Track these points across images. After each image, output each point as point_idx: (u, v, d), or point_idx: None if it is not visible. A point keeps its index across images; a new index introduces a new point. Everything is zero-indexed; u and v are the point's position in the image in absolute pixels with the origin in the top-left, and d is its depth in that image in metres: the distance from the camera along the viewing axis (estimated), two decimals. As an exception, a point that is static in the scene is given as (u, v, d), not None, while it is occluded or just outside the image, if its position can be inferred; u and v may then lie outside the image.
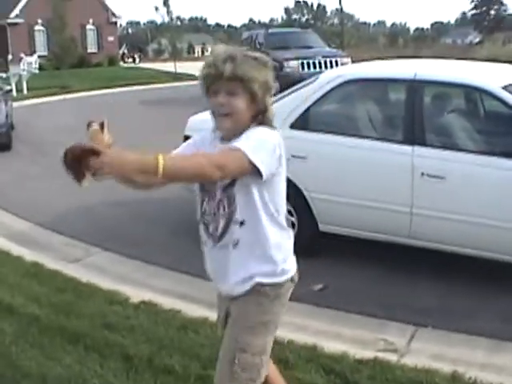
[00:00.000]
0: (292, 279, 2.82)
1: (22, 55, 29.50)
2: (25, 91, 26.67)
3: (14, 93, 23.78)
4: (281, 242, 2.74)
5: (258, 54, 2.69)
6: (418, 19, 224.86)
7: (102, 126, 2.53)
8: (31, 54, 33.82)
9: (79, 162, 2.17)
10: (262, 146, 2.53)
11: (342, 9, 45.72)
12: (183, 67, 37.41)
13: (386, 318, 5.07)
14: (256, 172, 2.49)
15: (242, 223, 2.65)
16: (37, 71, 29.55)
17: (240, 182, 2.59)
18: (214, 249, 2.74)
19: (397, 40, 79.99)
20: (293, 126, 6.13)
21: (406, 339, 4.71)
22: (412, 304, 5.27)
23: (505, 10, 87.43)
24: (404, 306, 5.23)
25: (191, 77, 27.37)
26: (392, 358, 4.35)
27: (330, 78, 6.27)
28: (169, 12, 47.61)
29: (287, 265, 2.78)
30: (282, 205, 2.75)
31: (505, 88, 5.39)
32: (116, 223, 7.94)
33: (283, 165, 2.64)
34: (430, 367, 4.14)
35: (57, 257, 6.72)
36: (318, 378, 3.93)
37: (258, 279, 2.69)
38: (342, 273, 5.94)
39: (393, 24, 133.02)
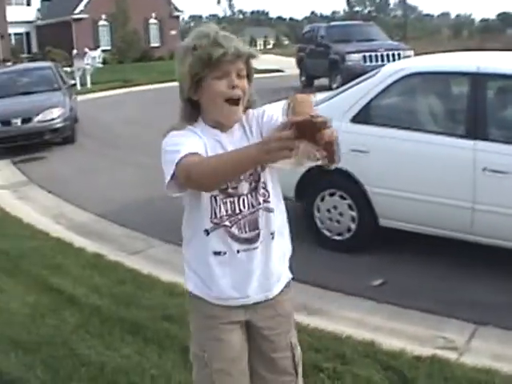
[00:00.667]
0: None
1: (87, 50, 29.99)
2: (88, 85, 27.11)
3: (78, 87, 24.21)
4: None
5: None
6: (484, 10, 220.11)
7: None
8: (95, 49, 34.37)
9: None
10: None
11: (405, 0, 45.20)
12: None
13: (445, 314, 4.99)
14: None
15: (273, 211, 2.41)
16: (100, 65, 30.08)
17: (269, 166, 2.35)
18: (238, 254, 2.39)
19: (461, 32, 78.61)
20: (354, 120, 6.08)
21: (466, 337, 4.62)
22: (473, 301, 5.17)
23: None
24: (464, 303, 5.14)
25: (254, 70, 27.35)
26: (451, 356, 4.27)
27: (392, 71, 6.20)
28: (231, 6, 47.92)
29: None
30: None
31: None
32: (178, 216, 7.99)
33: None
34: (490, 367, 4.05)
35: (118, 248, 6.83)
36: (374, 374, 3.90)
37: (289, 273, 2.61)
38: (402, 268, 5.88)
39: (457, 15, 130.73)
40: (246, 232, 2.38)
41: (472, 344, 4.54)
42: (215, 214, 2.34)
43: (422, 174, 5.72)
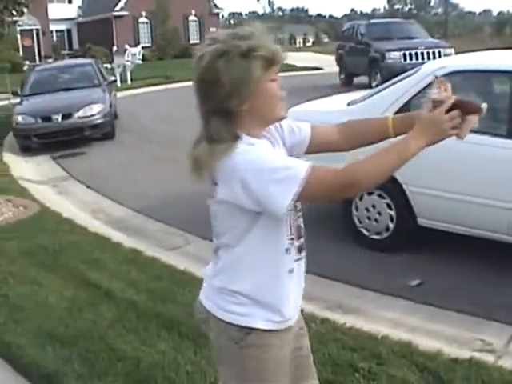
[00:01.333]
0: None
1: (127, 46, 30.19)
2: (129, 81, 27.31)
3: (119, 83, 24.43)
4: None
5: None
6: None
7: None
8: (135, 46, 34.58)
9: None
10: None
11: (446, -2, 44.67)
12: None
13: (484, 317, 4.92)
14: None
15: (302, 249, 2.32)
16: (140, 62, 30.23)
17: None
18: (296, 268, 2.28)
19: (504, 29, 77.45)
20: (395, 119, 6.01)
21: (505, 340, 4.55)
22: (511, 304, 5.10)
23: None
24: (504, 306, 5.05)
25: (291, 67, 27.32)
26: (489, 358, 4.21)
27: (432, 69, 6.12)
28: (270, 3, 47.94)
29: None
30: None
31: None
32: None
33: None
34: (528, 371, 3.99)
35: (155, 244, 6.87)
36: (410, 375, 3.86)
37: None
38: (440, 268, 5.81)
39: (499, 13, 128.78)
40: (298, 240, 2.26)
41: (511, 347, 4.47)
42: (290, 229, 2.22)
43: (462, 173, 5.65)
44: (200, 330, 4.45)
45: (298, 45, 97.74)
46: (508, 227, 5.43)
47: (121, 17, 51.65)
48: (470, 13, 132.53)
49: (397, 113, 5.99)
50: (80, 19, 56.30)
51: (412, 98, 5.97)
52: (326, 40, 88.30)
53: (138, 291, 5.36)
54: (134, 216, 8.11)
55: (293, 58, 38.31)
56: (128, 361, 4.15)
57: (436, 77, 2.20)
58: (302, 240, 2.27)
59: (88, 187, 9.98)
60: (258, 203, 2.04)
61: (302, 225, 2.28)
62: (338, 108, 6.56)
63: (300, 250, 2.26)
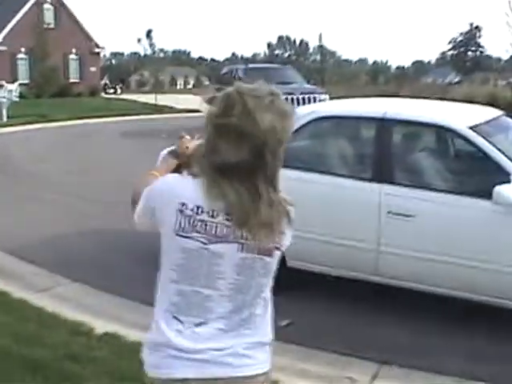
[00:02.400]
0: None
1: (3, 82, 29.43)
2: (4, 119, 26.57)
3: (-7, 120, 23.71)
4: (153, 321, 2.22)
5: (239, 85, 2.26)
6: (400, 57, 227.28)
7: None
8: (13, 82, 33.74)
9: None
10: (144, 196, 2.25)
11: (321, 46, 46.24)
12: (165, 99, 37.53)
13: (351, 355, 5.07)
14: None
15: None
16: (17, 99, 29.46)
17: None
18: None
19: (378, 78, 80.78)
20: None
21: (370, 376, 4.71)
22: (377, 342, 5.27)
23: (481, 52, 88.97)
24: (369, 344, 5.23)
25: (172, 109, 27.37)
26: (355, 395, 4.34)
27: (302, 114, 6.31)
28: (151, 44, 47.96)
29: (145, 356, 2.22)
30: (161, 289, 2.19)
31: (472, 128, 5.47)
32: (86, 253, 7.90)
33: (163, 230, 2.14)
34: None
35: (24, 286, 6.67)
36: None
37: None
38: (309, 308, 5.94)
39: (374, 62, 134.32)
40: None
41: (375, 383, 4.62)
42: None
43: (329, 216, 5.83)
44: (66, 372, 4.40)
45: (178, 86, 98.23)
46: (375, 267, 5.63)
47: (-2, 52, 50.37)
48: (346, 61, 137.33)
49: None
50: (-46, 53, 54.49)
51: (282, 141, 6.12)
52: (207, 82, 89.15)
53: (3, 334, 5.17)
54: (4, 257, 7.85)
55: (173, 99, 38.44)
56: (-11, 407, 4.01)
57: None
58: None
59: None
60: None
61: None
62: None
63: None
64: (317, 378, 4.69)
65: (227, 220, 2.06)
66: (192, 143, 2.45)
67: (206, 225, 2.06)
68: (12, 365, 4.58)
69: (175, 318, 2.12)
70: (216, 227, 2.06)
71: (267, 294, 2.23)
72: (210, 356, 2.09)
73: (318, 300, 6.09)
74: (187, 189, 2.10)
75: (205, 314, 2.10)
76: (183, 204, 2.06)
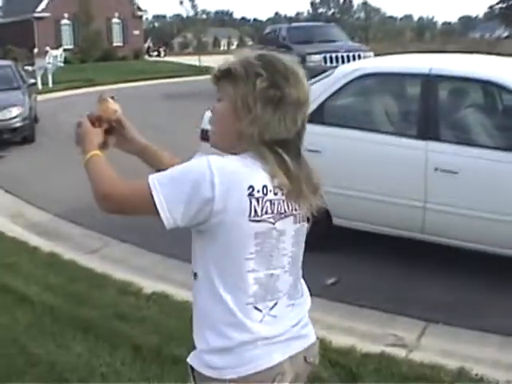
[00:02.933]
0: (229, 382, 1.97)
1: (48, 49, 29.70)
2: (50, 84, 26.84)
3: (40, 86, 23.97)
4: (218, 325, 1.98)
5: (269, 53, 2.04)
6: (446, 13, 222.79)
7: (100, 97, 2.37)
8: (57, 48, 34.03)
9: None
10: (180, 179, 1.91)
11: (366, 3, 45.54)
12: (208, 61, 37.46)
13: (397, 313, 5.08)
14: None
15: (195, 275, 2.05)
16: (62, 64, 29.75)
17: None
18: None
19: (423, 34, 79.38)
20: (308, 120, 6.11)
21: (416, 335, 4.71)
22: (424, 299, 5.25)
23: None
24: (416, 302, 5.22)
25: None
26: (400, 353, 4.35)
27: (346, 71, 6.26)
28: (194, 6, 47.80)
29: (217, 359, 1.98)
30: (236, 281, 1.97)
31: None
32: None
33: (231, 217, 1.90)
34: (436, 363, 4.14)
35: (74, 247, 6.80)
36: (322, 371, 3.93)
37: (191, 357, 2.07)
38: (355, 267, 5.94)
39: (420, 18, 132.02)
40: None
41: (422, 341, 4.63)
42: None
43: (374, 173, 5.79)
44: (115, 331, 4.49)
45: (222, 48, 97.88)
46: (422, 225, 5.60)
47: (42, 18, 50.75)
48: (391, 17, 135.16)
49: (311, 114, 6.10)
50: (0, 20, 55.06)
51: (326, 99, 6.08)
52: (250, 43, 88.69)
53: (54, 295, 5.30)
54: (53, 220, 8.00)
55: (217, 61, 38.17)
56: (42, 365, 4.10)
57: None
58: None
59: (6, 191, 9.78)
60: None
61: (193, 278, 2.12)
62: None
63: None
64: (362, 335, 4.70)
65: (283, 194, 1.96)
66: (117, 105, 2.33)
67: (272, 204, 1.94)
68: (64, 324, 4.70)
69: (256, 308, 1.99)
70: (279, 204, 1.96)
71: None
72: (289, 334, 2.05)
73: (363, 258, 6.09)
74: (248, 170, 1.92)
75: (275, 294, 2.02)
76: (251, 187, 1.90)
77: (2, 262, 6.23)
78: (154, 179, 1.91)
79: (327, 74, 6.52)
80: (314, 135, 6.01)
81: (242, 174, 1.90)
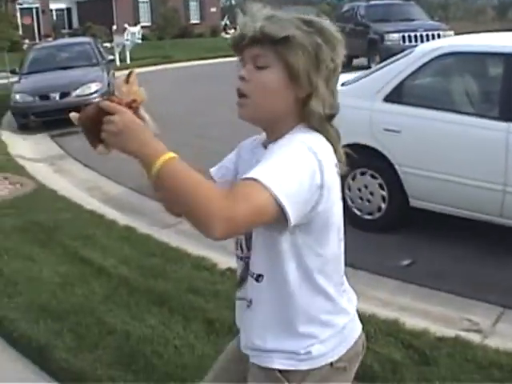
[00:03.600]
0: (333, 364, 1.90)
1: (126, 26, 30.09)
2: (128, 61, 27.23)
3: (118, 62, 24.35)
4: (319, 315, 1.88)
5: (315, 18, 1.82)
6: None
7: (129, 76, 1.82)
8: (135, 25, 34.44)
9: (95, 122, 1.71)
10: (294, 172, 1.67)
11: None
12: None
13: (473, 297, 4.96)
14: (282, 216, 1.64)
15: (258, 278, 1.86)
16: (140, 41, 30.11)
17: None
18: (237, 292, 2.04)
19: (506, 13, 77.04)
20: (386, 99, 6.05)
21: (492, 320, 4.61)
22: (501, 285, 5.13)
23: None
24: (493, 287, 5.10)
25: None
26: (475, 338, 4.26)
27: (426, 50, 6.14)
28: (272, -17, 47.56)
29: (323, 347, 1.88)
30: (334, 264, 1.90)
31: None
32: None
33: (332, 198, 1.77)
34: (512, 350, 4.04)
35: (149, 222, 6.89)
36: (396, 352, 3.91)
37: (277, 361, 1.88)
38: (431, 249, 5.85)
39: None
40: (237, 275, 2.06)
41: (497, 327, 4.53)
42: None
43: (453, 155, 5.67)
44: (189, 305, 4.55)
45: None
46: (500, 209, 5.47)
47: (121, -5, 51.47)
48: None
49: (390, 94, 6.03)
50: (80, -2, 56.05)
51: (405, 79, 5.99)
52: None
53: (130, 268, 5.41)
54: (130, 194, 8.14)
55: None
56: (117, 335, 4.20)
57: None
58: (240, 287, 2.02)
59: (85, 166, 9.99)
60: None
61: (248, 281, 1.95)
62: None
63: (239, 287, 2.03)
64: (437, 318, 4.63)
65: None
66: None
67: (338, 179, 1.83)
68: (139, 297, 4.79)
69: (343, 291, 1.98)
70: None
71: None
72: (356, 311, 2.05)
73: (440, 241, 5.99)
74: (328, 146, 1.80)
75: (342, 274, 1.99)
76: (336, 164, 1.80)
77: (80, 234, 6.38)
78: (280, 192, 1.61)
79: (406, 52, 6.40)
80: (394, 115, 5.97)
81: (330, 154, 1.79)
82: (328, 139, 1.80)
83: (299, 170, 1.66)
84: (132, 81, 1.79)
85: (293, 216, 1.64)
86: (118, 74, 18.59)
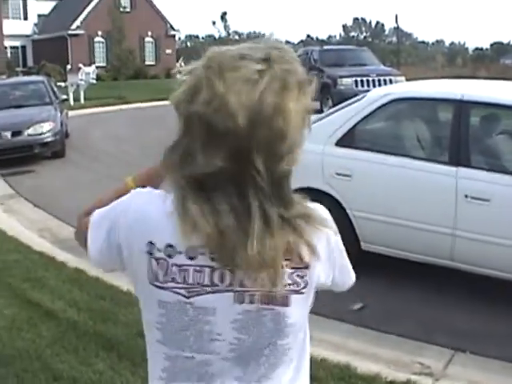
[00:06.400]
0: None
1: (81, 65, 30.05)
2: (82, 101, 27.13)
3: (72, 102, 24.25)
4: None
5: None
6: (478, 39, 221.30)
7: None
8: (90, 65, 34.42)
9: None
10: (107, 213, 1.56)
11: (398, 27, 45.57)
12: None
13: (424, 340, 4.99)
14: None
15: None
16: (94, 81, 30.02)
17: None
18: None
19: (455, 60, 79.02)
20: (338, 144, 6.11)
21: (443, 363, 4.63)
22: (452, 327, 5.17)
23: None
24: (444, 329, 5.14)
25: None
26: (426, 381, 4.29)
27: (377, 96, 6.24)
28: (226, 27, 48.08)
29: None
30: (150, 344, 1.58)
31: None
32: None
33: (135, 268, 1.50)
34: (464, 393, 4.06)
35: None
36: (347, 398, 3.90)
37: None
38: (382, 293, 5.87)
39: (451, 43, 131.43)
40: None
41: (449, 370, 4.55)
42: None
43: (403, 199, 5.74)
44: (138, 349, 4.46)
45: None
46: (450, 252, 5.53)
47: (76, 35, 51.42)
48: (423, 42, 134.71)
49: (342, 138, 6.09)
50: (35, 36, 55.87)
51: (357, 123, 6.07)
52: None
53: (79, 311, 5.32)
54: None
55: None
56: (64, 381, 4.12)
57: None
58: None
59: (35, 206, 9.86)
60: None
61: None
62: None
63: None
64: (389, 362, 4.63)
65: (212, 260, 1.42)
66: None
67: (184, 270, 1.44)
68: (88, 341, 4.70)
69: None
70: (199, 273, 1.44)
71: (298, 354, 1.60)
72: None
73: (391, 284, 6.02)
74: (157, 218, 1.46)
75: (209, 381, 1.52)
76: (151, 243, 1.45)
77: (28, 276, 6.26)
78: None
79: (358, 97, 6.50)
80: (345, 159, 6.03)
81: (146, 223, 1.47)
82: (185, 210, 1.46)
83: (107, 221, 1.54)
84: None
85: (92, 259, 1.60)
86: (71, 113, 18.55)
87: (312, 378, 4.06)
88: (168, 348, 1.52)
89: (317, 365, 4.35)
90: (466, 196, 5.33)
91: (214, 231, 1.37)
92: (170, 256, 1.44)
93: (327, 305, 5.55)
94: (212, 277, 1.44)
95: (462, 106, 5.61)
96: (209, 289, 1.44)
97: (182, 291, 1.45)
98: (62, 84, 27.43)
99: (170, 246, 1.43)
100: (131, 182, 1.68)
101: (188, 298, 1.45)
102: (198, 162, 1.38)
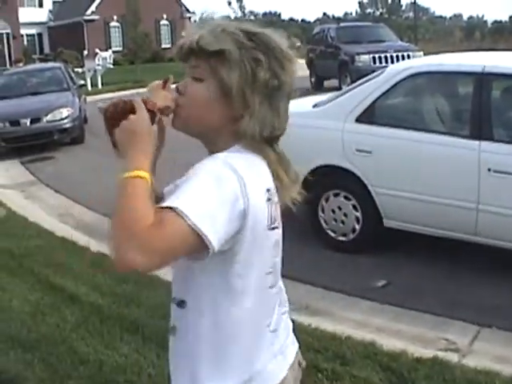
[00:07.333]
0: None
1: (97, 51, 30.10)
2: (99, 86, 27.18)
3: (89, 87, 24.29)
4: (246, 350, 1.70)
5: (262, 31, 1.71)
6: (497, 11, 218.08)
7: (165, 82, 1.77)
8: (106, 50, 34.46)
9: (119, 117, 1.69)
10: (212, 197, 1.52)
11: (415, 2, 45.12)
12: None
13: (449, 316, 4.95)
14: (202, 244, 1.51)
15: (180, 304, 1.74)
16: (111, 66, 30.12)
17: None
18: None
19: (473, 33, 78.16)
20: (358, 120, 6.05)
21: (469, 339, 4.59)
22: (477, 303, 5.12)
23: None
24: (469, 305, 5.09)
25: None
26: (452, 357, 4.24)
27: (396, 71, 6.17)
28: (241, 7, 47.86)
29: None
30: (260, 296, 1.69)
31: None
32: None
33: (257, 228, 1.61)
34: (490, 369, 4.02)
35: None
36: (373, 375, 3.87)
37: None
38: (406, 269, 5.84)
39: (470, 17, 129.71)
40: None
41: (474, 346, 4.51)
42: None
43: (425, 174, 5.68)
44: (163, 332, 4.46)
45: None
46: (475, 227, 5.47)
47: (92, 21, 51.41)
48: (440, 17, 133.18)
49: (362, 114, 6.03)
50: (51, 23, 55.92)
51: (377, 99, 6.00)
52: (299, 44, 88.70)
53: (102, 295, 5.32)
54: (102, 220, 8.00)
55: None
56: (90, 364, 4.12)
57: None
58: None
59: (56, 192, 9.90)
60: None
61: (172, 307, 1.86)
62: (303, 110, 6.51)
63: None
64: (413, 339, 4.60)
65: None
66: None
67: (276, 209, 1.68)
68: (112, 324, 4.71)
69: (269, 324, 1.77)
70: (276, 210, 1.69)
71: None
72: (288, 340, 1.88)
73: (415, 260, 5.98)
74: (260, 169, 1.67)
75: (279, 306, 1.83)
76: (268, 190, 1.64)
77: (51, 261, 6.29)
78: (198, 220, 1.49)
79: (377, 73, 6.43)
80: (365, 135, 5.97)
81: (259, 177, 1.64)
82: (266, 161, 1.69)
83: (218, 195, 1.52)
84: (168, 87, 1.75)
85: (214, 243, 1.51)
86: (89, 98, 18.56)
87: (336, 355, 4.07)
88: (274, 288, 1.76)
89: (341, 343, 4.34)
90: (489, 169, 5.26)
91: (284, 173, 1.71)
92: (270, 199, 1.65)
93: (350, 282, 5.58)
94: (278, 212, 1.71)
95: (483, 79, 5.51)
96: (276, 223, 1.70)
97: (279, 224, 1.72)
98: (80, 70, 27.51)
99: (272, 188, 1.67)
100: (147, 175, 1.58)
101: (279, 229, 1.73)
102: (277, 125, 1.69)
